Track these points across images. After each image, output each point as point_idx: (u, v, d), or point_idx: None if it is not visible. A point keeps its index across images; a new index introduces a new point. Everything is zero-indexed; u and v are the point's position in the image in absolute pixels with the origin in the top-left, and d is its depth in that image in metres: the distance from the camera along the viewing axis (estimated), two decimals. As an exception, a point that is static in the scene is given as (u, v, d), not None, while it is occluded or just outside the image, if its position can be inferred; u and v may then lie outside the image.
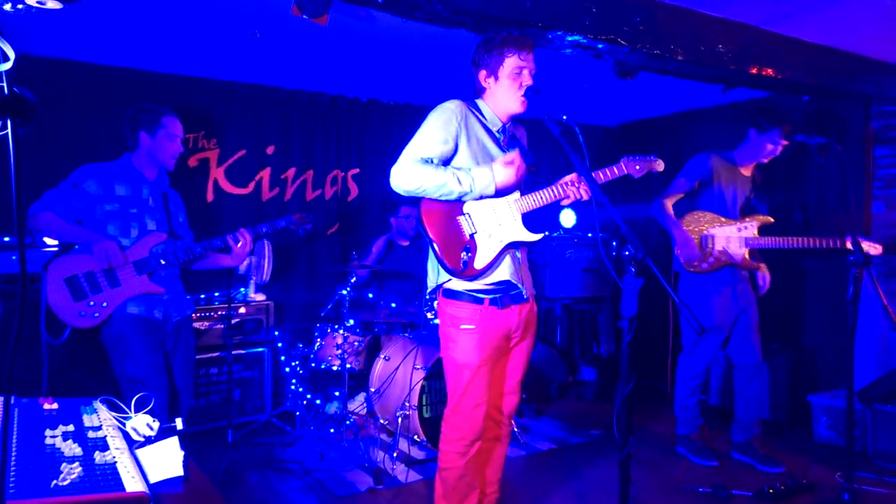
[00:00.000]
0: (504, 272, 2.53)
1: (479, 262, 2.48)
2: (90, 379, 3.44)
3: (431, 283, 2.63)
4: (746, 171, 3.97)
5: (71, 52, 4.03)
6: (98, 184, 3.00)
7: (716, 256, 3.84)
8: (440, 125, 2.48)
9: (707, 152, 3.97)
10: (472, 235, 2.50)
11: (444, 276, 2.53)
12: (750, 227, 3.86)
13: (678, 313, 4.05)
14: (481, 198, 2.49)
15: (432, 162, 2.44)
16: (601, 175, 2.56)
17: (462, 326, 2.52)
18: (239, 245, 3.23)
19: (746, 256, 3.86)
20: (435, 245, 2.46)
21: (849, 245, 3.28)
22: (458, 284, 2.53)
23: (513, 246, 2.56)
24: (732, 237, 3.86)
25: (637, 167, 2.65)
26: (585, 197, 2.52)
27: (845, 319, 3.16)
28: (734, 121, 5.32)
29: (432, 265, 2.60)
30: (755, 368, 3.94)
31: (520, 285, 2.59)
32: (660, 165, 2.73)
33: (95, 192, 2.99)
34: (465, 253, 2.46)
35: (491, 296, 2.52)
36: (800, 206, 4.89)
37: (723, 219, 3.89)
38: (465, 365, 2.52)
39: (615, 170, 2.60)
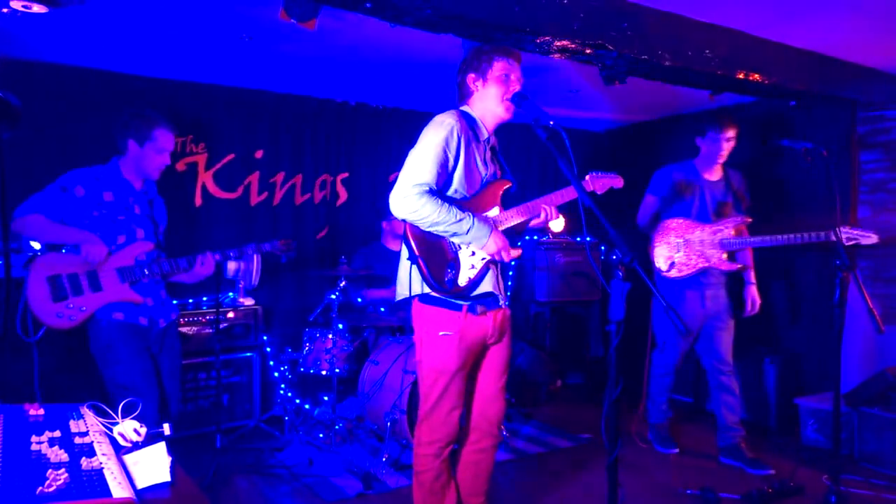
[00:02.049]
0: (487, 285, 2.58)
1: (463, 279, 2.51)
2: (77, 384, 3.41)
3: (404, 292, 2.58)
4: (712, 176, 4.05)
5: (56, 56, 4.00)
6: (87, 189, 2.97)
7: (688, 263, 3.94)
8: (441, 146, 2.44)
9: (667, 166, 4.13)
10: (455, 252, 2.52)
11: (425, 287, 2.52)
12: (725, 230, 3.91)
13: (652, 312, 4.18)
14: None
15: (434, 191, 2.42)
16: (560, 196, 2.71)
17: (440, 333, 2.52)
18: (207, 266, 3.19)
19: (724, 258, 3.91)
20: (420, 262, 2.46)
21: (833, 238, 3.32)
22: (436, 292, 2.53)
23: (492, 261, 2.59)
24: (706, 240, 3.93)
25: (601, 183, 2.86)
26: (553, 217, 2.70)
27: (831, 323, 3.19)
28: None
29: (406, 273, 2.57)
30: (722, 373, 4.01)
31: (498, 294, 2.63)
32: (619, 182, 2.90)
33: (84, 197, 2.96)
34: (449, 270, 2.49)
35: (469, 303, 2.53)
36: (786, 211, 4.92)
37: (697, 224, 3.97)
38: (443, 370, 2.53)
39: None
